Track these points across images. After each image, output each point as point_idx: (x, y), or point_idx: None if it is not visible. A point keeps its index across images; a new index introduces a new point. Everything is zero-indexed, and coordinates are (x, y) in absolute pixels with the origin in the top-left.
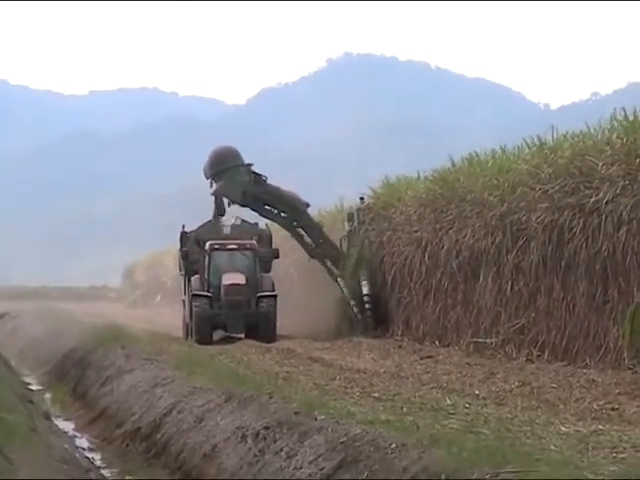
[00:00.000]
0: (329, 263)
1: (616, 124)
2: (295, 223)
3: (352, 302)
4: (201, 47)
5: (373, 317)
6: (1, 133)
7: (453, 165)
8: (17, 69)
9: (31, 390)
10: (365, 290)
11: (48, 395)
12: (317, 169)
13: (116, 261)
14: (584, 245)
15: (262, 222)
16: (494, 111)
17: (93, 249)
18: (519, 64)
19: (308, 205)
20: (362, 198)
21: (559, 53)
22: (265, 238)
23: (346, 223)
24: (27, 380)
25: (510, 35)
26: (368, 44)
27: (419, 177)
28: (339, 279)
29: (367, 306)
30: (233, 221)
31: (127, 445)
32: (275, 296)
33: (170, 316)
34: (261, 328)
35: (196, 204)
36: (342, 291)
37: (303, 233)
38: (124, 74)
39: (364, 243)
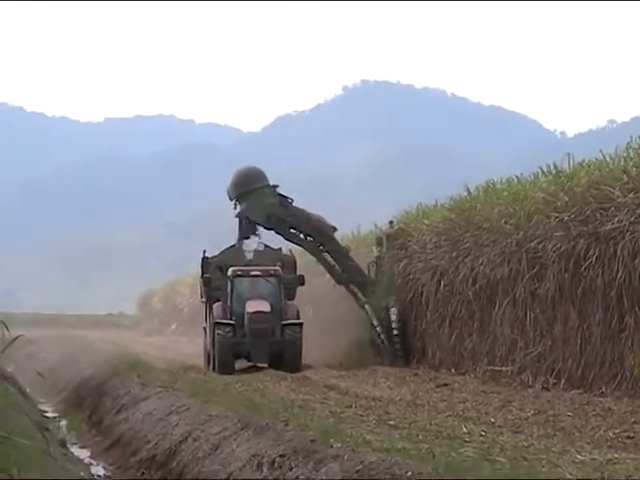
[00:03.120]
0: (356, 289)
1: (632, 152)
2: (321, 247)
3: (379, 330)
4: (217, 74)
5: (401, 345)
6: (17, 160)
7: (469, 193)
8: (33, 96)
9: (47, 417)
10: (393, 317)
11: (64, 422)
12: (333, 196)
13: (132, 289)
14: (600, 273)
15: (285, 247)
16: (510, 139)
17: (109, 276)
18: (535, 91)
19: (335, 229)
20: (391, 222)
21: (575, 80)
22: (289, 264)
23: (374, 248)
24: (43, 407)
25: (527, 62)
26: (384, 71)
27: (436, 205)
28: (366, 306)
29: (395, 334)
30: (256, 246)
31: (143, 473)
32: (301, 324)
33: (186, 344)
34: (286, 357)
35: (212, 231)
36: (369, 318)
37: (329, 258)
38: (140, 101)
39: (392, 269)
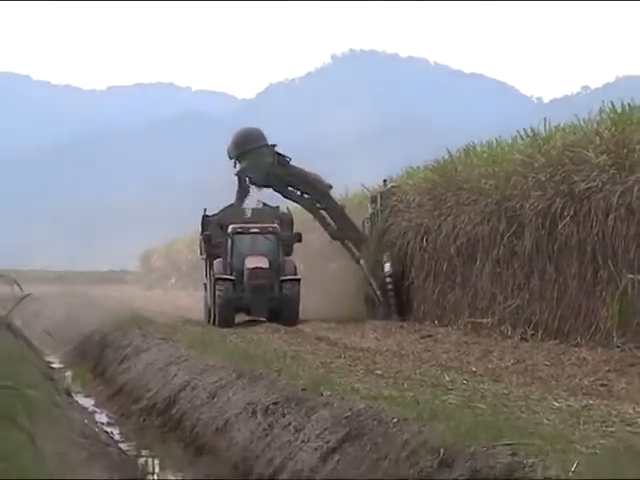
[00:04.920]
0: (351, 245)
1: (605, 116)
2: (318, 205)
3: (374, 285)
4: (212, 43)
5: (396, 300)
6: (25, 126)
7: (451, 156)
8: (39, 65)
9: (53, 368)
10: (388, 273)
11: (69, 373)
12: (323, 160)
13: (132, 248)
14: (575, 230)
15: (283, 206)
16: (490, 104)
17: (110, 237)
18: (513, 59)
19: (331, 187)
20: (385, 180)
21: (552, 48)
22: (286, 222)
23: (369, 205)
24: (49, 359)
25: (505, 31)
26: (371, 41)
27: (419, 168)
28: (361, 261)
29: (389, 288)
30: (255, 205)
31: (144, 420)
32: (298, 280)
33: (184, 298)
34: (284, 312)
35: (210, 194)
36: (364, 274)
37: (325, 215)
38: (141, 69)
39: (387, 225)
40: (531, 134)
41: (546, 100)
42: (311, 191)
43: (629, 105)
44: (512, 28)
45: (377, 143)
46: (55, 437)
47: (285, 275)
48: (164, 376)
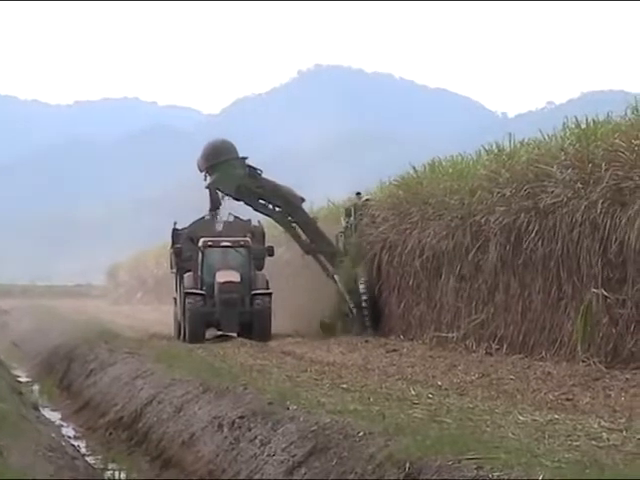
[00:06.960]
0: (324, 259)
1: (569, 132)
2: (290, 218)
3: (348, 299)
4: (178, 58)
5: (370, 315)
6: None
7: (416, 171)
8: (6, 80)
9: (20, 382)
10: (362, 288)
11: (36, 387)
12: (288, 175)
13: (99, 262)
14: (540, 245)
15: (254, 219)
16: (455, 119)
17: (77, 251)
18: (479, 74)
19: (303, 200)
20: (359, 193)
21: (517, 63)
22: (258, 235)
23: (342, 219)
24: (16, 373)
25: (471, 47)
26: (337, 56)
27: (384, 183)
28: (335, 276)
29: (364, 303)
30: (226, 218)
31: (110, 434)
32: (270, 294)
33: (151, 312)
34: (256, 327)
35: (176, 208)
36: (338, 288)
37: (298, 228)
38: (107, 84)
39: (361, 239)
40: (496, 149)
41: (511, 115)
42: (283, 204)
43: (593, 120)
44: (478, 44)
45: (343, 158)
46: (22, 450)
47: (257, 289)
48: (130, 390)
